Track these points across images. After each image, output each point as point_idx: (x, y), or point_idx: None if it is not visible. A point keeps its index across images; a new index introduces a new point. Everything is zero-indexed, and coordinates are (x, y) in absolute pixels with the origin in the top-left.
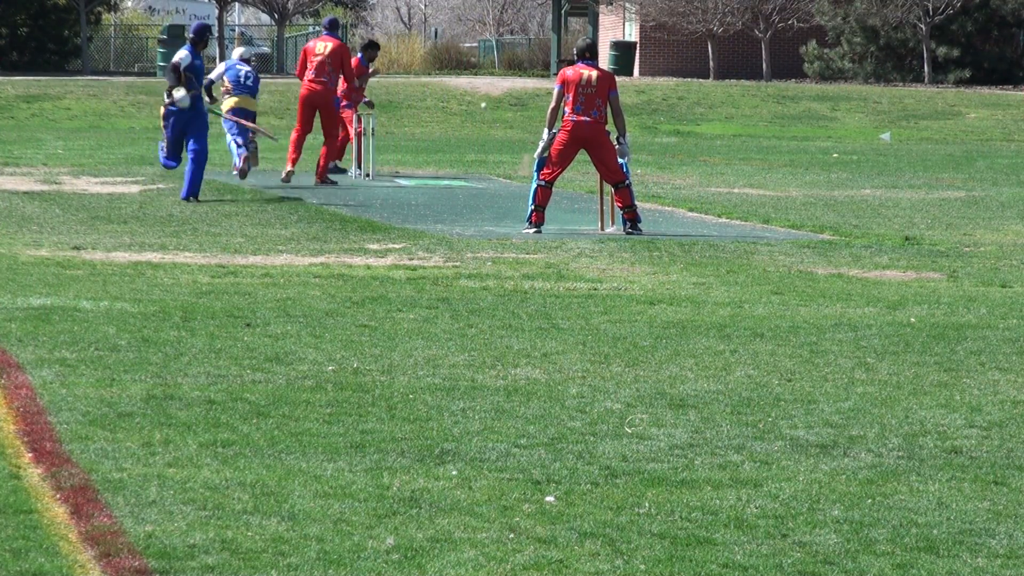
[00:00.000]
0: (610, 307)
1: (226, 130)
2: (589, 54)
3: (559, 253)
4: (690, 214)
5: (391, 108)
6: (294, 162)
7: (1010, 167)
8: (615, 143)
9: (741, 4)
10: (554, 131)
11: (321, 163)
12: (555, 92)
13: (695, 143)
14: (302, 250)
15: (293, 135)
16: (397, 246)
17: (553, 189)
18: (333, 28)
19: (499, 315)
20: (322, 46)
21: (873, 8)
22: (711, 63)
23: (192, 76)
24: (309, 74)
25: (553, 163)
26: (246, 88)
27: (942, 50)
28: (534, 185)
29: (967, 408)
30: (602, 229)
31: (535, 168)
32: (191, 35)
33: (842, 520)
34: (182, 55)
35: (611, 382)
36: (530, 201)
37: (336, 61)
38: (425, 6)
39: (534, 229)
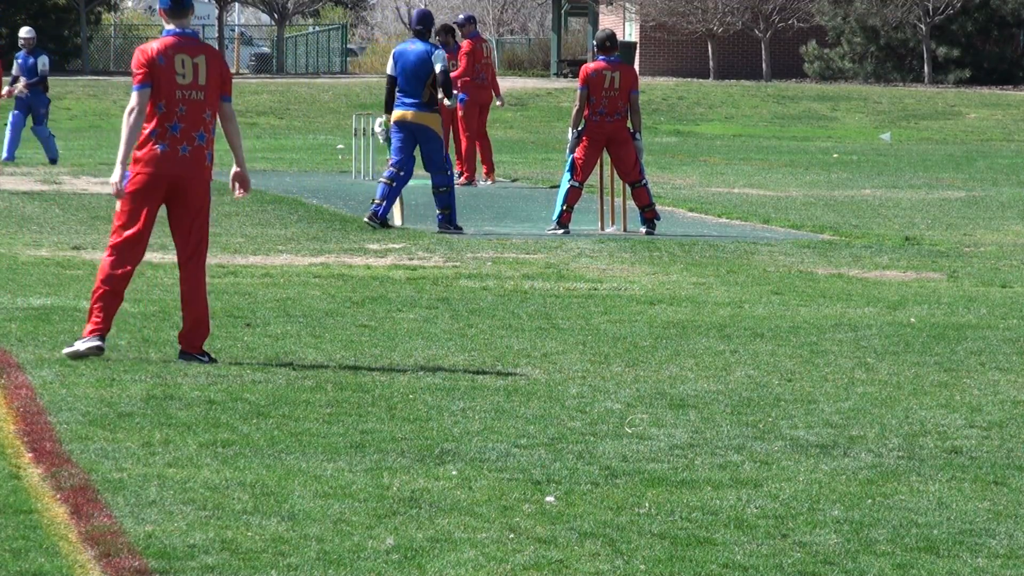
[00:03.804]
0: (610, 307)
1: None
2: (610, 44)
3: (559, 253)
4: (690, 214)
5: None
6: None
7: (1010, 167)
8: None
9: (741, 4)
10: (580, 130)
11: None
12: (578, 94)
13: (695, 143)
14: (302, 250)
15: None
16: (397, 246)
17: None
18: (470, 22)
19: (499, 315)
20: (486, 48)
21: (873, 8)
22: (711, 63)
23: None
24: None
25: (582, 165)
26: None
27: (942, 50)
28: (566, 185)
29: (967, 408)
30: (602, 229)
31: (567, 168)
32: (419, 26)
33: (842, 520)
34: (440, 58)
35: (611, 382)
36: (560, 201)
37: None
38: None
39: (563, 230)
